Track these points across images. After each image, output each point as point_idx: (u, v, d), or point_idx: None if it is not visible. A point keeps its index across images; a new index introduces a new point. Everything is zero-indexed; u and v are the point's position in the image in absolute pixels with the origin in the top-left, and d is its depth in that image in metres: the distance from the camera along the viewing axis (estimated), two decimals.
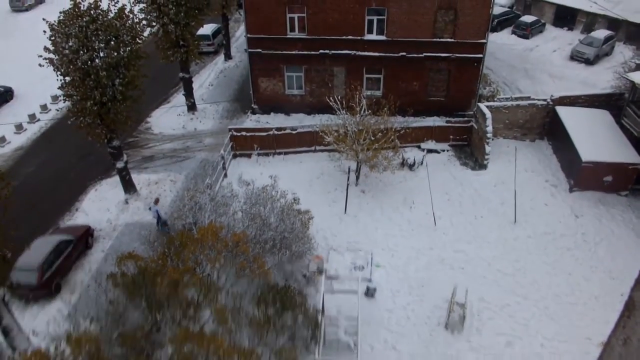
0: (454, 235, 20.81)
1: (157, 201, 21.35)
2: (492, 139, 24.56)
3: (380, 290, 18.15)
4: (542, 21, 40.45)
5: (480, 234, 20.85)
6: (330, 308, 16.40)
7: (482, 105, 24.89)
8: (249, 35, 27.89)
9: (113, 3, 19.58)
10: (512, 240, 20.57)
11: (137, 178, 24.18)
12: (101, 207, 23.10)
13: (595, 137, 23.30)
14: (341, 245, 20.17)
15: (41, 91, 32.36)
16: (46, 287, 18.56)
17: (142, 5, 25.94)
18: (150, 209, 21.41)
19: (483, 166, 24.74)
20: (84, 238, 20.74)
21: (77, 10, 18.77)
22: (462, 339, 16.52)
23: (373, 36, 27.22)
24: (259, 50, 28.09)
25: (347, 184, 22.29)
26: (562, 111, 25.18)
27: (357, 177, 23.64)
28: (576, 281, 18.74)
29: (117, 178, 23.59)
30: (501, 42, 38.19)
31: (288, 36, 27.53)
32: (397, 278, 18.78)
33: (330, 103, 23.06)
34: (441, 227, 21.15)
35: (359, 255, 19.49)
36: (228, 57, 37.59)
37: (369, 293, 17.90)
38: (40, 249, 18.97)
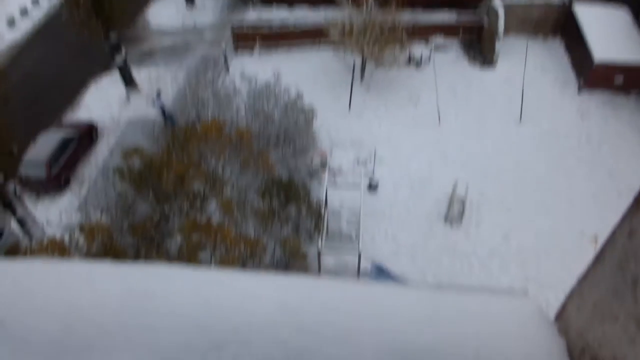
0: (458, 133, 20.78)
1: (159, 93, 21.19)
2: (503, 36, 23.67)
3: (382, 184, 18.52)
4: None
5: (484, 131, 20.81)
6: (333, 201, 16.83)
7: (495, 1, 23.70)
8: None
9: None
10: (516, 138, 20.57)
11: (137, 74, 23.76)
12: (103, 103, 22.95)
13: (610, 36, 22.36)
14: (345, 141, 20.24)
15: None
16: (55, 181, 19.00)
17: None
18: (154, 103, 21.26)
19: (492, 64, 24.08)
20: (89, 133, 20.86)
21: None
22: (460, 232, 17.12)
23: None
24: None
25: (352, 81, 21.88)
26: (579, 8, 23.99)
27: (362, 74, 23.12)
28: (576, 179, 18.99)
29: (117, 74, 23.20)
30: None
31: None
32: (400, 173, 19.07)
33: None
34: (445, 125, 21.06)
35: (362, 150, 19.65)
36: None
37: (372, 187, 18.27)
38: (46, 143, 19.17)
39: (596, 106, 21.97)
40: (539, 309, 1.35)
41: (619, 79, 21.85)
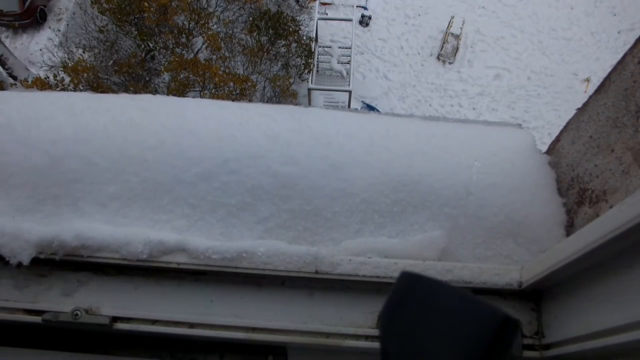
0: None
1: None
2: None
3: (375, 18, 17.70)
4: None
5: None
6: (324, 36, 16.27)
7: None
8: None
9: None
10: None
11: None
12: None
13: None
14: None
15: None
16: (30, 14, 17.93)
17: None
18: None
19: None
20: None
21: None
22: (452, 70, 16.87)
23: None
24: None
25: None
26: None
27: None
28: (576, 16, 18.21)
29: None
30: None
31: None
32: (394, 6, 18.12)
33: None
34: None
35: None
36: None
37: (364, 21, 17.49)
38: None
39: None
40: (532, 140, 1.34)
41: None
